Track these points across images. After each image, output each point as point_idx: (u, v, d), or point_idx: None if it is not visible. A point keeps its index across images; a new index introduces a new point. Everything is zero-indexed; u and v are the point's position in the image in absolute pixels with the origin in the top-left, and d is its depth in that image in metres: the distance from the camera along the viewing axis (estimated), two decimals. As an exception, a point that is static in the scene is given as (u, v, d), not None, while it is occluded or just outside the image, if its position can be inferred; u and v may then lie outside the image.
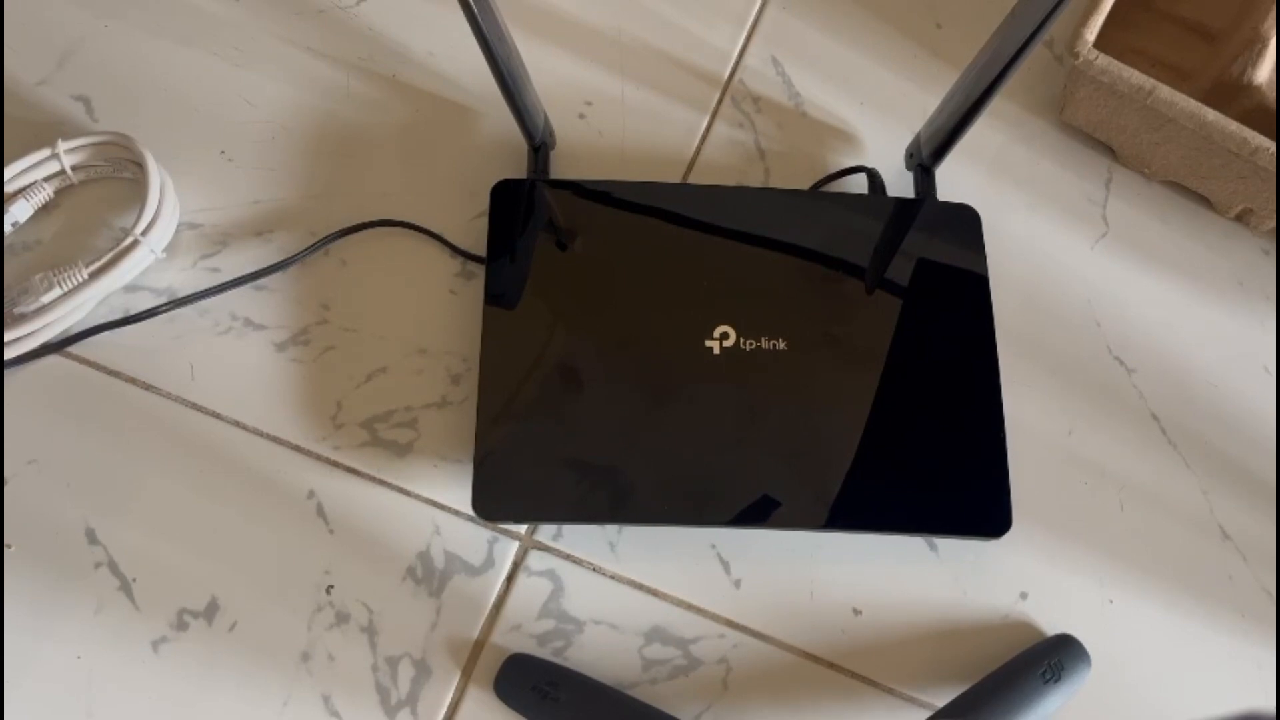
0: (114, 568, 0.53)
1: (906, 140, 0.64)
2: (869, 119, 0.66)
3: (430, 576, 0.54)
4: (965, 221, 0.60)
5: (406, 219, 0.60)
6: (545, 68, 0.64)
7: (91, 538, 0.53)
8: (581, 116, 0.64)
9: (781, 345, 0.55)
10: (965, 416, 0.55)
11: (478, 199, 0.60)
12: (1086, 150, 0.66)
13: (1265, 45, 0.61)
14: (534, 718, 0.51)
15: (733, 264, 0.57)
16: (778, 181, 0.64)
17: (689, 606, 0.55)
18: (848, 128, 0.66)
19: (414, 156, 0.62)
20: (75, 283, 0.54)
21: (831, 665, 0.55)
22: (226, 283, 0.58)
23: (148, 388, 0.56)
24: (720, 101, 0.66)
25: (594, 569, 0.55)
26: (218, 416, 0.56)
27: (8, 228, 0.57)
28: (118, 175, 0.59)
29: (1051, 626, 0.56)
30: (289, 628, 0.53)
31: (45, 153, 0.57)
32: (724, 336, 0.55)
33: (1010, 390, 0.58)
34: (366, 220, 0.60)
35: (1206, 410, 0.61)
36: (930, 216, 0.60)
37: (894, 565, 0.56)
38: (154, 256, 0.57)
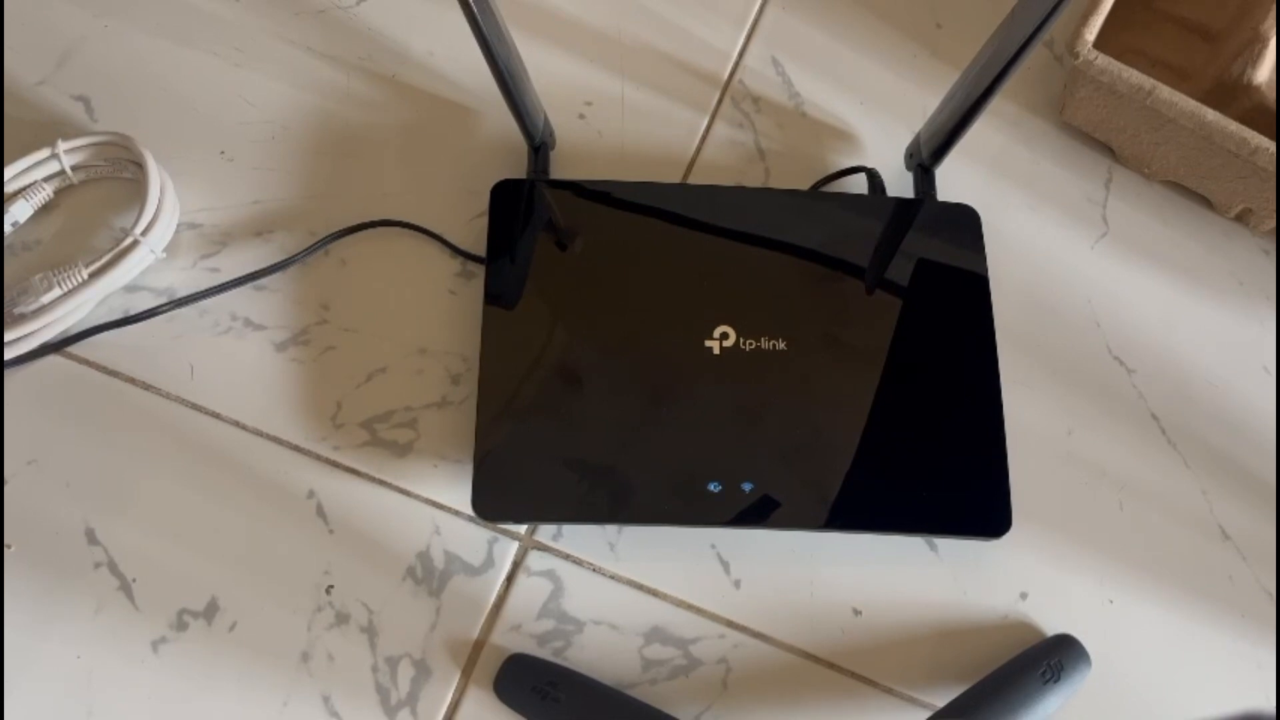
0: (114, 568, 0.53)
1: (906, 140, 0.64)
2: (869, 119, 0.66)
3: (430, 576, 0.54)
4: (965, 221, 0.60)
5: (406, 219, 0.60)
6: (545, 68, 0.64)
7: (91, 538, 0.53)
8: (581, 116, 0.64)
9: (781, 345, 0.55)
10: (965, 416, 0.55)
11: (478, 199, 0.60)
12: (1086, 150, 0.66)
13: (1265, 45, 0.61)
14: (534, 718, 0.51)
15: (733, 264, 0.57)
16: (777, 181, 0.64)
17: (689, 606, 0.55)
18: (848, 128, 0.66)
19: (414, 156, 0.62)
20: (75, 283, 0.54)
21: (831, 665, 0.55)
22: (226, 283, 0.58)
23: (148, 388, 0.56)
24: (720, 101, 0.66)
25: (594, 569, 0.55)
26: (218, 416, 0.56)
27: (8, 228, 0.57)
28: (118, 175, 0.59)
29: (1051, 626, 0.56)
30: (289, 628, 0.53)
31: (45, 153, 0.57)
32: (724, 336, 0.55)
33: (1010, 390, 0.58)
34: (366, 220, 0.60)
35: (1206, 410, 0.61)
36: (930, 216, 0.60)
37: (894, 565, 0.56)
38: (154, 256, 0.57)
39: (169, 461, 0.55)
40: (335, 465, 0.56)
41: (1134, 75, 0.58)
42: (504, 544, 0.55)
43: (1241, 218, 0.65)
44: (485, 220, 0.58)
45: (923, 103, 0.66)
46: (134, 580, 0.53)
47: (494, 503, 0.53)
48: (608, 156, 0.63)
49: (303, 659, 0.52)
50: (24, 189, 0.57)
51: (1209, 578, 0.57)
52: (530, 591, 0.54)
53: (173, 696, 0.51)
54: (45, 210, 0.59)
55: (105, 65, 0.62)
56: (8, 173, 0.56)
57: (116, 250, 0.55)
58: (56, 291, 0.54)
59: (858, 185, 0.63)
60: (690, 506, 0.53)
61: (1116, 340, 0.62)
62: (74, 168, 0.58)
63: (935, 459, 0.54)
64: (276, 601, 0.53)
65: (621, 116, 0.64)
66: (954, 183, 0.63)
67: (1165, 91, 0.58)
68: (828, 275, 0.57)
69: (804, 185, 0.63)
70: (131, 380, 0.56)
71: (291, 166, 0.61)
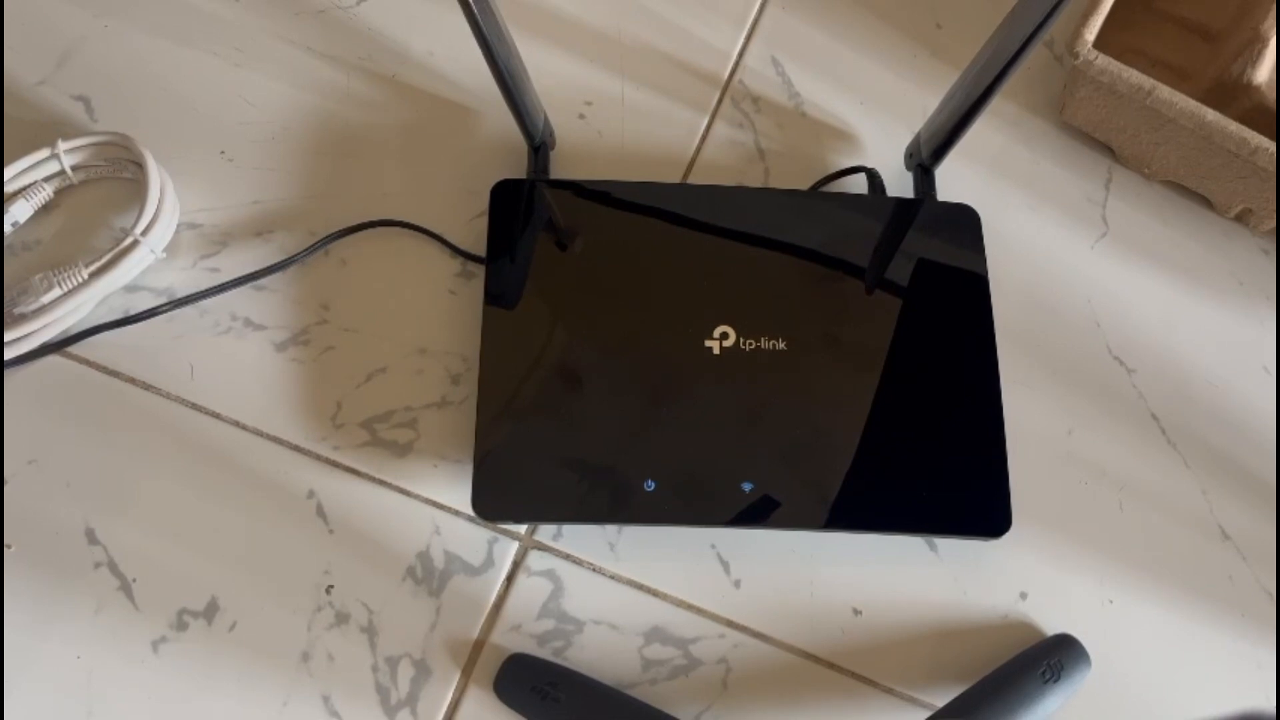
0: (114, 568, 0.53)
1: (906, 140, 0.64)
2: (869, 119, 0.66)
3: (430, 576, 0.54)
4: (965, 221, 0.60)
5: (406, 219, 0.60)
6: (545, 68, 0.64)
7: (91, 538, 0.53)
8: (581, 116, 0.64)
9: (781, 345, 0.55)
10: (965, 416, 0.55)
11: (478, 199, 0.60)
12: (1086, 150, 0.66)
13: (1265, 45, 0.61)
14: (534, 718, 0.51)
15: (733, 264, 0.57)
16: (777, 181, 0.64)
17: (689, 606, 0.55)
18: (848, 128, 0.66)
19: (414, 156, 0.62)
20: (75, 283, 0.54)
21: (831, 665, 0.55)
22: (226, 283, 0.58)
23: (148, 388, 0.56)
24: (720, 101, 0.66)
25: (594, 569, 0.55)
26: (218, 416, 0.56)
27: (8, 228, 0.57)
28: (118, 175, 0.59)
29: (1051, 626, 0.56)
30: (289, 628, 0.53)
31: (45, 153, 0.57)
32: (724, 336, 0.55)
33: (1010, 390, 0.58)
34: (366, 220, 0.60)
35: (1206, 410, 0.61)
36: (930, 216, 0.60)
37: (894, 565, 0.56)
38: (154, 256, 0.57)
39: (169, 461, 0.55)
40: (335, 465, 0.56)
41: (1134, 75, 0.58)
42: (504, 544, 0.55)
43: (1241, 218, 0.65)
44: (485, 220, 0.58)
45: (923, 103, 0.66)
46: (134, 580, 0.53)
47: (494, 503, 0.53)
48: (608, 156, 0.63)
49: (303, 659, 0.52)
50: (24, 189, 0.57)
51: (1209, 578, 0.57)
52: (530, 591, 0.54)
53: (173, 696, 0.51)
54: (45, 210, 0.59)
55: (105, 65, 0.62)
56: (8, 173, 0.56)
57: (116, 250, 0.55)
58: (56, 291, 0.54)
59: (858, 185, 0.63)
60: (690, 506, 0.53)
61: (1116, 340, 0.62)
62: (74, 168, 0.58)
63: (935, 459, 0.54)
64: (276, 601, 0.53)
65: (621, 116, 0.64)
66: (954, 183, 0.63)
67: (1165, 91, 0.58)
68: (828, 275, 0.57)
69: (804, 185, 0.63)
70: (131, 380, 0.56)
71: (291, 166, 0.61)
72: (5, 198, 0.57)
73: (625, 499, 0.52)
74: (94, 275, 0.55)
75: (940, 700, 0.54)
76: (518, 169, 0.62)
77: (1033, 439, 0.59)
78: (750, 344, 0.55)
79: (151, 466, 0.55)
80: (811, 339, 0.55)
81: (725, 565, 0.56)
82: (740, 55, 0.67)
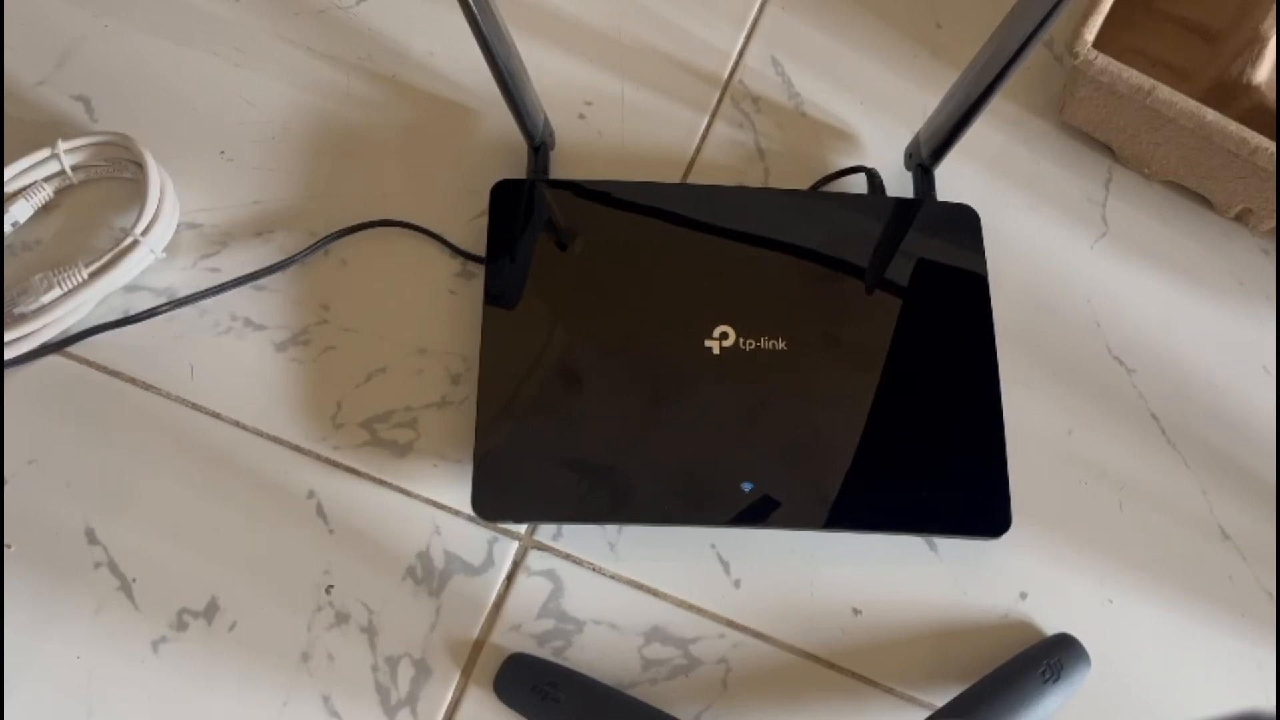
0: (114, 568, 0.53)
1: (906, 140, 0.64)
2: (869, 119, 0.66)
3: (430, 576, 0.54)
4: (965, 221, 0.60)
5: (406, 219, 0.60)
6: (545, 68, 0.64)
7: (91, 538, 0.53)
8: (581, 116, 0.64)
9: (781, 345, 0.55)
10: (965, 416, 0.55)
11: (478, 199, 0.60)
12: (1086, 150, 0.66)
13: (1265, 45, 0.61)
14: (534, 718, 0.51)
15: (733, 264, 0.57)
16: (777, 181, 0.64)
17: (689, 606, 0.55)
18: (847, 128, 0.66)
19: (414, 156, 0.62)
20: (75, 283, 0.55)
21: (831, 665, 0.55)
22: (226, 283, 0.58)
23: (148, 388, 0.56)
24: (720, 101, 0.66)
25: (594, 569, 0.55)
26: (218, 416, 0.56)
27: (8, 228, 0.57)
28: (118, 175, 0.59)
29: (1051, 626, 0.56)
30: (289, 628, 0.53)
31: (45, 153, 0.57)
32: (724, 336, 0.55)
33: (1010, 390, 0.58)
34: (366, 220, 0.60)
35: (1206, 410, 0.61)
36: (930, 216, 0.60)
37: (894, 565, 0.56)
38: (154, 256, 0.57)
39: (169, 461, 0.55)
40: (335, 465, 0.56)
41: (1134, 75, 0.58)
42: (504, 544, 0.55)
43: (1241, 218, 0.65)
44: (485, 220, 0.58)
45: (923, 103, 0.66)
46: (134, 580, 0.53)
47: (494, 502, 0.53)
48: (608, 156, 0.63)
49: (303, 659, 0.52)
50: (24, 189, 0.57)
51: (1209, 578, 0.57)
52: (530, 591, 0.54)
53: (173, 696, 0.51)
54: (45, 210, 0.59)
55: (105, 65, 0.62)
56: (8, 173, 0.56)
57: (116, 250, 0.55)
58: (56, 291, 0.54)
59: (858, 185, 0.63)
60: (690, 506, 0.53)
61: (1116, 340, 0.62)
62: (74, 168, 0.58)
63: (935, 459, 0.54)
64: (276, 601, 0.53)
65: (621, 116, 0.64)
66: (954, 183, 0.63)
67: (1165, 91, 0.58)
68: (828, 275, 0.57)
69: (804, 185, 0.63)
70: (131, 380, 0.56)
71: (291, 166, 0.61)
72: (5, 198, 0.57)
73: (625, 499, 0.52)
74: (94, 275, 0.55)
75: (940, 700, 0.54)
76: (518, 169, 0.62)
77: (1033, 439, 0.59)
78: (750, 344, 0.55)
79: (151, 466, 0.55)
80: (811, 339, 0.55)
81: (725, 565, 0.56)
82: (740, 55, 0.67)
